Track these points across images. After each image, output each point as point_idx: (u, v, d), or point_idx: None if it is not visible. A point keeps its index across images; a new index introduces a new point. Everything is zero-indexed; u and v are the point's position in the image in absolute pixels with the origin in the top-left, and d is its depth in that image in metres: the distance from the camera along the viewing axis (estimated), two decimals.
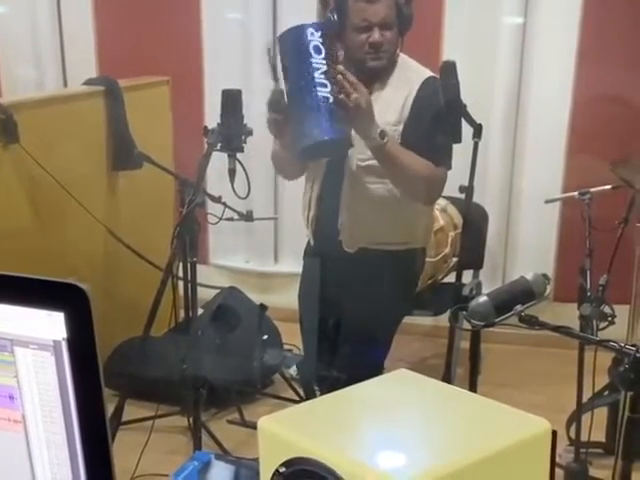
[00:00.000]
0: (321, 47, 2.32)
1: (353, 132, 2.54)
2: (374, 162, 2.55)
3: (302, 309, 2.96)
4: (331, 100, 2.31)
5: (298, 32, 2.34)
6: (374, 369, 2.66)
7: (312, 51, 2.31)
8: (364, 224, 2.69)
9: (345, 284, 2.74)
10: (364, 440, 1.00)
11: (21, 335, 0.88)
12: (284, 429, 1.02)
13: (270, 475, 1.02)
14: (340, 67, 2.34)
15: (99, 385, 0.87)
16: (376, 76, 2.60)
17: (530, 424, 1.03)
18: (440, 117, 2.57)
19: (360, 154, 2.59)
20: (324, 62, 2.32)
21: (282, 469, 1.00)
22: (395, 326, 2.90)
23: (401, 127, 2.57)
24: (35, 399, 0.91)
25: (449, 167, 2.65)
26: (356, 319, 2.75)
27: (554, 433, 1.02)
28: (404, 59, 2.66)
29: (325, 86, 2.32)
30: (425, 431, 1.02)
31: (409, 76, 2.62)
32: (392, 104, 2.58)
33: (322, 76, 2.31)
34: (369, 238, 2.70)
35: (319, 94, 2.31)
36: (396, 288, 2.75)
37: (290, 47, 2.37)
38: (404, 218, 2.71)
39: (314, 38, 2.31)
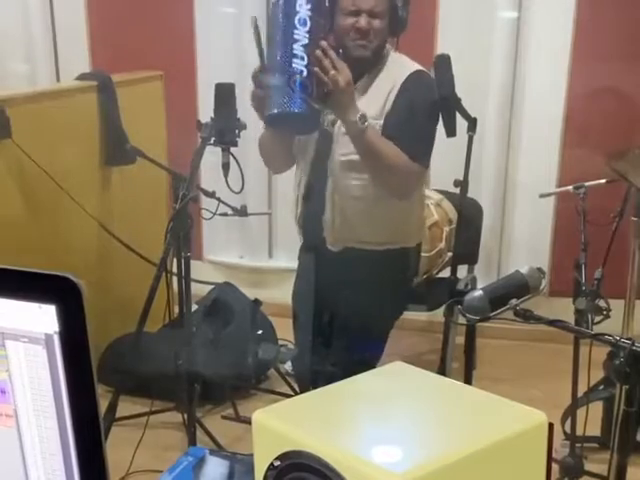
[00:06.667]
0: (307, 20, 2.31)
1: (337, 127, 2.55)
2: (356, 157, 2.54)
3: (295, 305, 2.95)
4: (304, 73, 2.31)
5: (288, 1, 2.33)
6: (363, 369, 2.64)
7: (296, 22, 2.31)
8: (347, 222, 2.66)
9: (332, 282, 2.72)
10: (359, 433, 0.99)
11: (12, 328, 0.87)
12: (279, 422, 1.01)
13: (265, 469, 1.01)
14: (323, 43, 2.34)
15: (92, 379, 0.86)
16: (363, 69, 2.59)
17: (526, 417, 1.02)
18: (422, 113, 2.56)
19: (342, 148, 2.58)
20: (307, 35, 2.32)
21: (277, 462, 0.99)
22: (385, 326, 2.87)
23: (381, 121, 2.56)
24: (27, 393, 0.90)
25: (426, 164, 2.63)
26: (344, 318, 2.74)
27: (550, 426, 1.01)
28: (396, 57, 2.65)
29: (302, 59, 2.31)
30: (420, 424, 1.02)
31: (396, 71, 2.61)
32: (376, 97, 2.58)
33: (301, 48, 2.31)
34: (352, 236, 2.68)
35: (294, 65, 2.31)
36: (382, 288, 2.72)
37: (277, 14, 2.36)
38: (387, 217, 2.68)
39: (302, 10, 2.31)
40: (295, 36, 2.32)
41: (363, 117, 2.42)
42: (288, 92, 2.31)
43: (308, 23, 2.32)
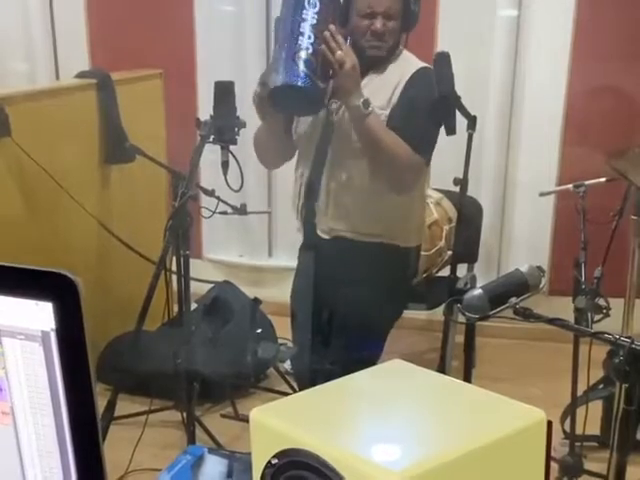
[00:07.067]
0: (317, 2, 2.35)
1: (339, 115, 2.55)
2: (356, 145, 2.54)
3: (293, 304, 2.95)
4: (310, 50, 2.34)
5: None
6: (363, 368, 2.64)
7: (306, 3, 2.35)
8: (340, 210, 2.67)
9: (330, 279, 2.72)
10: (357, 431, 0.99)
11: (9, 325, 0.87)
12: (276, 420, 1.01)
13: (262, 467, 1.01)
14: (332, 26, 2.37)
15: (89, 376, 0.85)
16: (373, 65, 2.60)
17: (525, 414, 1.02)
18: (426, 107, 2.56)
19: (343, 136, 2.59)
20: (315, 17, 2.35)
21: (274, 460, 0.99)
22: (384, 326, 2.86)
23: (387, 111, 2.57)
24: (24, 390, 0.89)
25: (428, 160, 2.64)
26: (343, 317, 2.74)
27: (549, 423, 1.01)
28: (406, 55, 2.66)
29: (308, 37, 2.34)
30: (419, 422, 1.01)
31: (404, 67, 2.63)
32: (382, 89, 2.59)
33: (309, 28, 2.35)
34: (345, 225, 2.68)
35: (299, 42, 2.34)
36: (382, 287, 2.71)
37: None
38: (383, 210, 2.67)
39: None
40: (304, 15, 2.35)
41: (366, 102, 2.43)
42: (292, 66, 2.33)
43: (318, 5, 2.36)
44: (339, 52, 2.35)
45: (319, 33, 2.35)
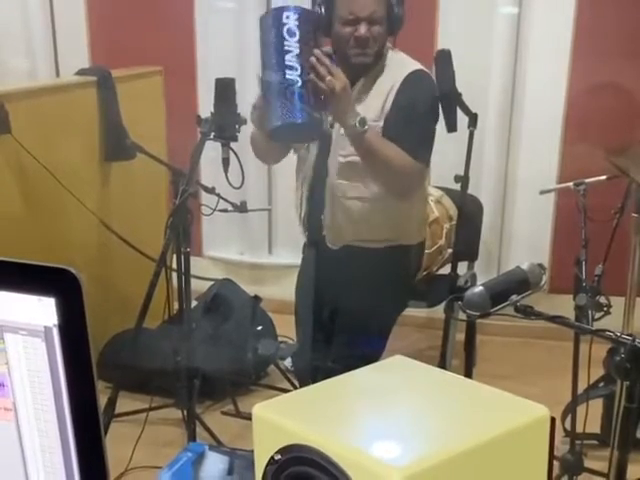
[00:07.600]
0: (295, 30, 2.31)
1: (336, 128, 2.55)
2: (355, 158, 2.54)
3: (297, 303, 2.95)
4: (299, 84, 2.31)
5: (275, 14, 2.35)
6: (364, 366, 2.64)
7: (285, 34, 2.31)
8: (346, 222, 2.67)
9: (334, 279, 2.73)
10: (360, 427, 0.99)
11: (11, 321, 0.87)
12: (279, 416, 1.01)
13: (265, 463, 1.00)
14: (316, 50, 2.34)
15: (91, 372, 0.85)
16: (362, 72, 2.59)
17: (528, 410, 1.02)
18: (420, 112, 2.55)
19: (341, 150, 2.58)
20: (297, 45, 2.31)
21: (277, 456, 0.99)
22: (386, 323, 2.87)
23: (381, 123, 2.56)
24: (26, 386, 0.89)
25: (427, 163, 2.63)
26: (346, 314, 2.74)
27: (552, 420, 1.01)
28: (394, 56, 2.64)
29: (295, 69, 2.32)
30: (422, 417, 1.01)
31: (395, 72, 2.60)
32: (375, 99, 2.57)
33: (293, 59, 2.32)
34: (351, 235, 2.69)
35: (287, 76, 2.31)
36: (384, 285, 2.72)
37: (265, 29, 2.37)
38: (388, 216, 2.68)
39: (289, 21, 2.32)
40: (286, 47, 2.32)
41: (362, 120, 2.41)
42: (286, 104, 2.32)
43: (297, 33, 2.32)
44: (328, 78, 2.32)
45: (305, 62, 2.32)
